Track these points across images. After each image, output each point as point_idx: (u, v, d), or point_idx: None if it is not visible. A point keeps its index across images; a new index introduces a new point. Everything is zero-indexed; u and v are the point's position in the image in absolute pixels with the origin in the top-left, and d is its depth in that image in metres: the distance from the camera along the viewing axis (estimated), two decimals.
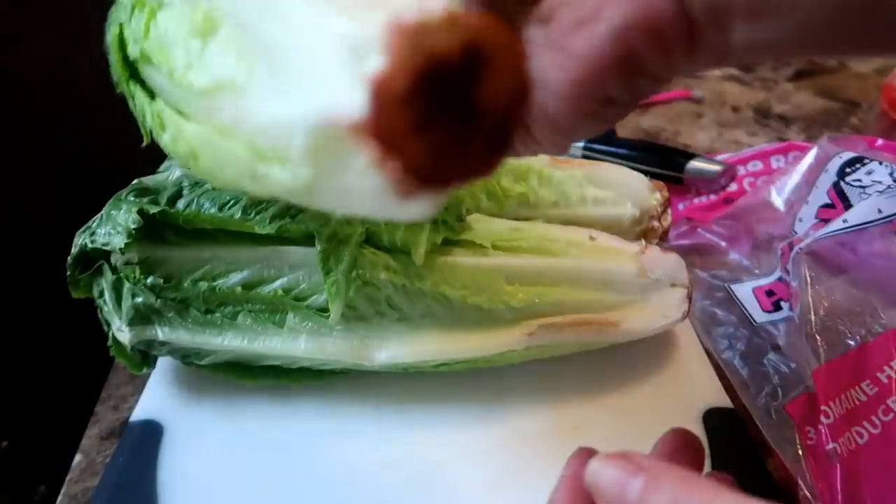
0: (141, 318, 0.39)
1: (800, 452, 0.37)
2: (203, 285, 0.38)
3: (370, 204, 0.15)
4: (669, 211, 0.51)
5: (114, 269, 0.39)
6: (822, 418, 0.36)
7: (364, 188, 0.14)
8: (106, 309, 0.40)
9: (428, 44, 0.12)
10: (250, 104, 0.15)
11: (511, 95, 0.14)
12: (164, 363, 0.44)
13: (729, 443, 0.39)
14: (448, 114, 0.13)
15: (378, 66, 0.12)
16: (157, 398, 0.43)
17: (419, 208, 0.15)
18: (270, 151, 0.15)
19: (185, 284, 0.38)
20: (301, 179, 0.15)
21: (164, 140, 0.21)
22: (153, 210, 0.37)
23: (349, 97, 0.13)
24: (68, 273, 0.40)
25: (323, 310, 0.38)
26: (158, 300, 0.38)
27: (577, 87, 0.19)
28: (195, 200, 0.40)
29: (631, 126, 0.72)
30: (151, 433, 0.41)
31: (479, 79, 0.13)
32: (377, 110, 0.12)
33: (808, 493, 0.35)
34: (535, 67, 0.20)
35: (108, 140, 0.64)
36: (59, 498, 0.39)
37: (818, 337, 0.39)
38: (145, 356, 0.41)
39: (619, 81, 0.19)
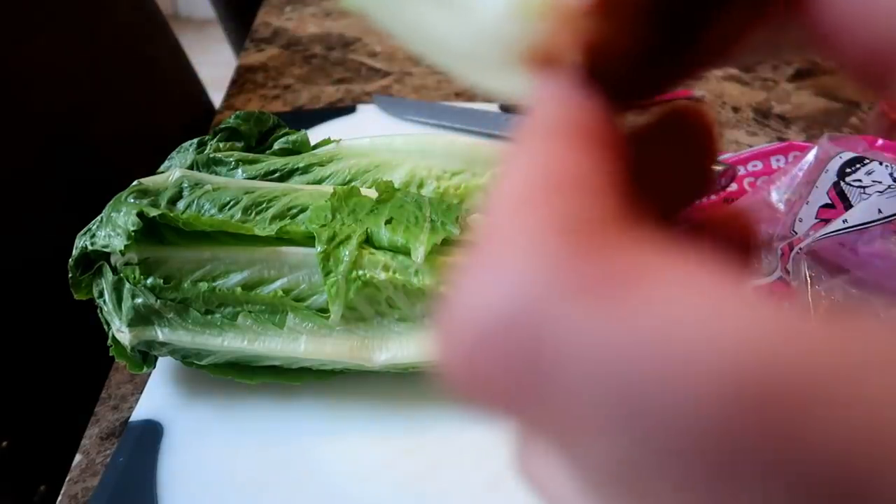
0: (141, 318, 0.39)
1: None
2: (203, 286, 0.38)
3: (469, 42, 0.13)
4: None
5: (114, 270, 0.39)
6: None
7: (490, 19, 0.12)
8: (106, 309, 0.40)
9: None
10: None
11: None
12: (164, 363, 0.44)
13: None
14: (665, 25, 0.12)
15: None
16: (157, 398, 0.43)
17: (515, 83, 0.13)
18: None
19: (185, 285, 0.38)
20: None
21: None
22: (153, 213, 0.37)
23: None
24: (70, 275, 0.40)
25: (323, 310, 0.38)
26: (158, 301, 0.38)
27: None
28: (195, 202, 0.40)
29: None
30: (151, 433, 0.41)
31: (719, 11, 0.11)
32: None
33: None
34: None
35: (108, 140, 0.64)
36: (59, 498, 0.39)
37: None
38: (145, 356, 0.41)
39: None
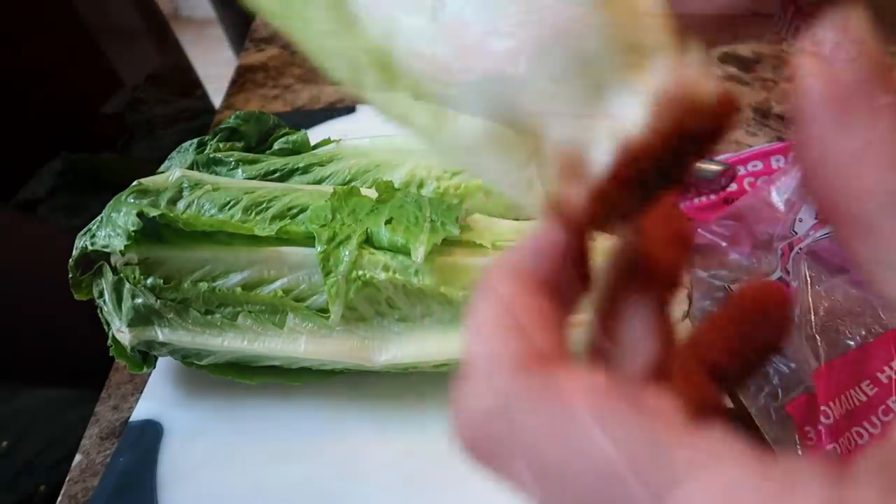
0: (141, 318, 0.39)
1: (800, 452, 0.37)
2: (203, 286, 0.38)
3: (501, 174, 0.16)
4: None
5: (114, 270, 0.39)
6: (822, 418, 0.36)
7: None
8: (106, 309, 0.40)
9: (689, 119, 0.14)
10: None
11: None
12: (164, 363, 0.44)
13: None
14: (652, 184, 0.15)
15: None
16: (157, 398, 0.43)
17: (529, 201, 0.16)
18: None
19: (185, 285, 0.38)
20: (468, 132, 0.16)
21: None
22: (153, 213, 0.37)
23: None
24: (70, 276, 0.40)
25: (323, 310, 0.38)
26: (158, 301, 0.38)
27: None
28: (195, 202, 0.40)
29: None
30: (151, 433, 0.41)
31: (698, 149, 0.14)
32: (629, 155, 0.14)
33: None
34: None
35: (108, 140, 0.64)
36: (59, 498, 0.39)
37: (818, 337, 0.39)
38: (145, 356, 0.41)
39: None
